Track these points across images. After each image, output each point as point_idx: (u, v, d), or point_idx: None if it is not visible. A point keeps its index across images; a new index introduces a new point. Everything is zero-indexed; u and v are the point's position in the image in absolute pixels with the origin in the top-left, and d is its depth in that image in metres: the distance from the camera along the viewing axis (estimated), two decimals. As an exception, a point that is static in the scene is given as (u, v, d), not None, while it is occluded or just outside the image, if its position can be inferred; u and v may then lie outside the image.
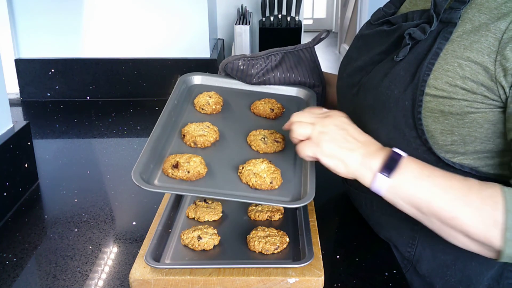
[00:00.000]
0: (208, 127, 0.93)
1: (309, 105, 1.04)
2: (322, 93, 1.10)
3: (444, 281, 0.88)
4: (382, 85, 0.81)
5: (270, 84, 1.07)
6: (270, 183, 0.82)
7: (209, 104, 1.00)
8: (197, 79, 1.10)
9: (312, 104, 1.03)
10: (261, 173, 0.82)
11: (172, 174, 0.81)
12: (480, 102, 0.73)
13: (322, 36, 1.10)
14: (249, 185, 0.82)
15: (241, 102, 1.05)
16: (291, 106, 1.05)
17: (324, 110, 0.81)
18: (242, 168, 0.84)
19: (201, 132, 0.91)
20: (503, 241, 0.67)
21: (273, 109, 1.01)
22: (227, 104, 1.04)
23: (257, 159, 0.86)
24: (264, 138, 0.92)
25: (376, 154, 0.73)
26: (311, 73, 1.09)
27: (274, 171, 0.83)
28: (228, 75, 1.09)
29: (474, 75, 0.72)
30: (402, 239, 0.90)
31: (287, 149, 0.92)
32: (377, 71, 0.84)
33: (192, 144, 0.90)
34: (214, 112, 1.00)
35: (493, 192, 0.68)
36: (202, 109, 1.00)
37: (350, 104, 0.91)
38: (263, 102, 1.03)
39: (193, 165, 0.82)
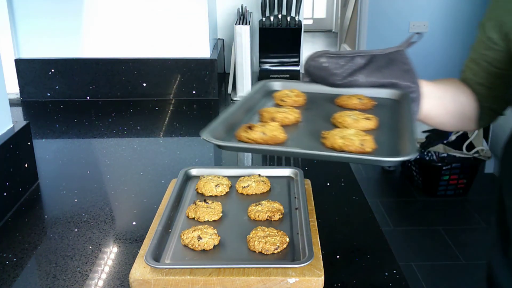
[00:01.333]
0: (289, 109, 0.85)
1: (403, 107, 0.91)
2: (417, 98, 0.96)
3: None
4: None
5: (357, 86, 0.94)
6: (361, 145, 0.71)
7: (289, 95, 0.92)
8: (278, 85, 1.00)
9: (406, 106, 0.90)
10: (349, 136, 0.73)
11: (247, 138, 0.74)
12: None
13: (413, 40, 0.96)
14: (334, 148, 0.72)
15: (324, 99, 0.95)
16: (381, 108, 0.92)
17: None
18: (326, 133, 0.75)
19: (282, 111, 0.83)
20: None
21: (361, 99, 0.91)
22: (310, 100, 0.95)
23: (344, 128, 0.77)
24: (352, 116, 0.82)
25: None
26: (405, 74, 0.95)
27: (364, 135, 0.74)
28: (310, 77, 0.98)
29: None
30: None
31: (380, 128, 0.82)
32: None
33: (270, 121, 0.82)
34: (295, 105, 0.91)
35: None
36: (282, 100, 0.92)
37: None
38: (349, 96, 0.93)
39: (270, 128, 0.75)
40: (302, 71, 2.15)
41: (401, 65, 0.96)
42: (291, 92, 0.94)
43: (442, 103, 0.98)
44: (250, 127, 0.74)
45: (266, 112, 0.84)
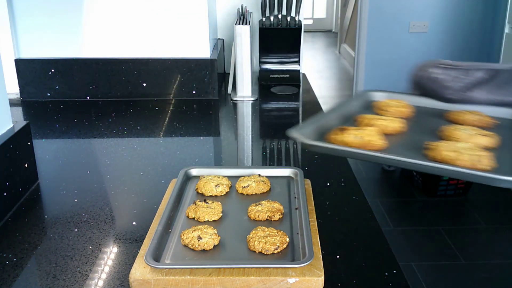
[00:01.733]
0: (391, 118, 0.78)
1: None
2: None
3: None
4: None
5: (474, 102, 0.84)
6: (477, 161, 0.63)
7: (395, 106, 0.84)
8: (380, 96, 0.92)
9: None
10: (462, 149, 0.64)
11: (336, 140, 0.68)
12: None
13: None
14: (443, 160, 0.64)
15: (432, 113, 0.85)
16: (503, 128, 0.82)
17: None
18: (431, 144, 0.68)
19: (382, 119, 0.76)
20: None
21: (479, 115, 0.82)
22: (418, 113, 0.86)
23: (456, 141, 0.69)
24: (466, 131, 0.73)
25: None
26: None
27: (480, 151, 0.65)
28: (418, 89, 0.91)
29: None
30: None
31: (501, 147, 0.72)
32: None
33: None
34: (399, 116, 0.82)
35: None
36: (384, 110, 0.83)
37: None
38: (465, 112, 0.83)
39: (366, 133, 0.68)
40: (302, 71, 2.15)
41: None
42: (397, 103, 0.84)
43: None
44: (342, 129, 0.68)
45: (365, 119, 0.76)
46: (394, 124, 0.76)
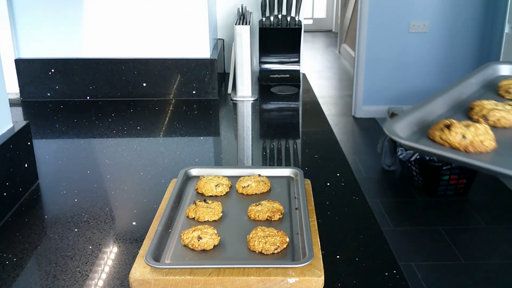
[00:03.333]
0: (509, 106, 0.70)
1: None
2: None
3: None
4: None
5: None
6: None
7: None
8: (506, 69, 0.87)
9: None
10: None
11: (441, 138, 0.60)
12: None
13: None
14: None
15: None
16: None
17: None
18: None
19: (500, 108, 0.68)
20: None
21: None
22: None
23: None
24: None
25: None
26: None
27: None
28: None
29: None
30: None
31: None
32: None
33: (480, 119, 0.68)
34: None
35: None
36: (508, 92, 0.76)
37: None
38: None
39: (475, 132, 0.59)
40: (302, 71, 2.15)
41: None
42: None
43: None
44: (448, 126, 0.60)
45: (479, 107, 0.67)
46: (508, 117, 0.66)
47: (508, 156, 0.59)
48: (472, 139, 0.58)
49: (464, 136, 0.59)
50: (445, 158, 0.57)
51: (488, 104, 0.69)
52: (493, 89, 0.79)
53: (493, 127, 0.64)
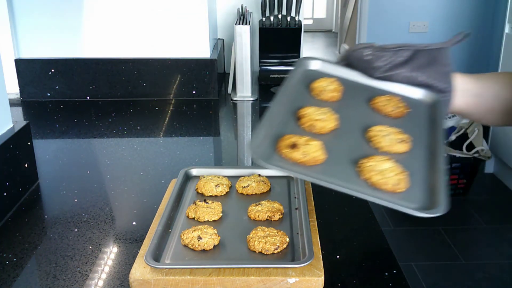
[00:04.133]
0: (327, 113, 0.84)
1: (435, 111, 0.92)
2: (449, 100, 0.96)
3: None
4: None
5: (393, 81, 0.94)
6: (396, 184, 0.72)
7: (326, 90, 0.91)
8: (315, 64, 0.99)
9: (439, 110, 0.91)
10: (386, 172, 0.72)
11: (287, 155, 0.73)
12: None
13: (459, 39, 0.97)
14: (368, 182, 0.72)
15: (359, 94, 0.94)
16: (413, 109, 0.93)
17: None
18: (363, 163, 0.74)
19: (320, 117, 0.82)
20: None
21: (396, 107, 0.90)
22: (346, 94, 0.93)
23: (381, 156, 0.76)
24: (387, 136, 0.81)
25: None
26: (442, 77, 0.95)
27: (401, 172, 0.73)
28: (347, 65, 0.97)
29: None
30: None
31: (413, 151, 0.81)
32: None
33: (308, 128, 0.81)
34: (331, 100, 0.90)
35: None
36: (319, 94, 0.91)
37: None
38: (385, 98, 0.92)
39: (312, 149, 0.73)
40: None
41: (441, 66, 0.95)
42: (329, 84, 0.91)
43: (480, 101, 0.95)
44: (293, 146, 0.73)
45: (307, 118, 0.82)
46: (330, 125, 0.82)
47: (332, 164, 0.74)
48: (311, 156, 0.73)
49: (305, 155, 0.73)
50: (294, 174, 0.72)
51: (313, 113, 0.83)
52: (309, 91, 0.92)
53: (318, 134, 0.80)
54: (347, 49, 0.96)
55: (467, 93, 0.97)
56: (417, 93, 0.94)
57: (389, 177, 0.72)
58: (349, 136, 0.82)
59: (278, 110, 0.83)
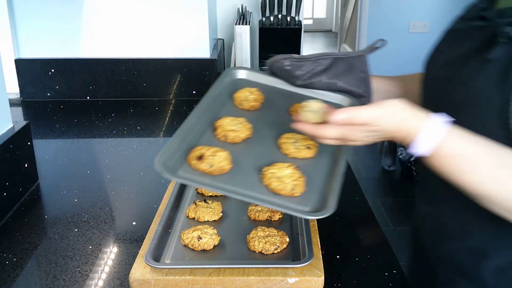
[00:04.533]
0: (242, 123, 0.90)
1: None
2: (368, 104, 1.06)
3: None
4: (473, 82, 0.79)
5: (314, 88, 1.02)
6: (292, 189, 0.77)
7: (247, 100, 0.97)
8: (242, 73, 1.06)
9: None
10: (284, 178, 0.78)
11: (195, 166, 0.78)
12: None
13: (377, 45, 1.03)
14: (268, 188, 0.78)
15: (281, 102, 1.01)
16: None
17: (345, 116, 0.75)
18: (266, 170, 0.80)
19: (234, 127, 0.88)
20: None
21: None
22: (267, 103, 1.00)
23: (283, 163, 0.82)
24: (295, 143, 0.87)
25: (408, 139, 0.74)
26: (359, 82, 1.03)
27: (298, 178, 0.79)
28: (274, 74, 1.05)
29: None
30: (481, 231, 0.84)
31: (318, 157, 0.86)
32: (468, 68, 0.81)
33: (222, 138, 0.87)
34: (251, 109, 0.97)
35: None
36: (241, 104, 0.97)
37: (437, 97, 0.89)
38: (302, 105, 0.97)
39: (218, 160, 0.79)
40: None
41: (359, 73, 1.03)
42: (250, 94, 0.98)
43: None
44: (200, 158, 0.79)
45: (221, 128, 0.88)
46: (242, 135, 0.87)
47: (238, 173, 0.80)
48: (217, 166, 0.78)
49: (211, 165, 0.78)
50: (200, 186, 0.79)
51: (227, 124, 0.89)
52: (231, 100, 0.98)
53: (231, 143, 0.86)
54: (270, 60, 1.03)
55: (390, 94, 1.03)
56: (337, 98, 1.02)
57: (286, 183, 0.78)
58: (261, 145, 0.88)
59: (196, 121, 0.88)
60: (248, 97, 0.98)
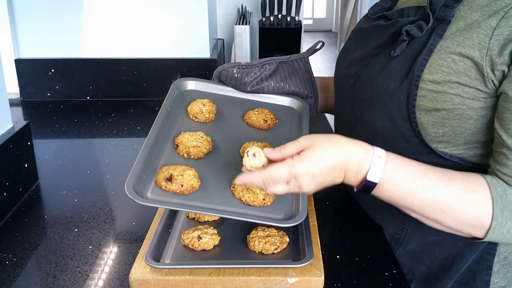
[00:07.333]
0: (202, 137, 0.92)
1: (302, 116, 1.03)
2: (315, 104, 1.10)
3: (432, 257, 0.92)
4: (379, 79, 0.84)
5: (263, 93, 1.07)
6: (263, 199, 0.81)
7: (202, 112, 0.99)
8: (191, 84, 1.09)
9: (305, 115, 1.03)
10: (255, 189, 0.81)
11: (165, 187, 0.80)
12: (471, 97, 0.76)
13: (317, 47, 1.10)
14: (241, 200, 0.81)
15: (234, 110, 1.04)
16: (284, 116, 1.04)
17: (291, 150, 0.76)
18: (235, 184, 0.82)
19: (195, 143, 0.90)
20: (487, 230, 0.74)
21: (266, 120, 1.00)
22: (220, 113, 1.02)
23: None
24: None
25: (353, 181, 0.77)
26: (305, 84, 1.09)
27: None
28: (222, 82, 1.08)
29: (467, 70, 0.75)
30: (394, 223, 0.95)
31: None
32: (374, 65, 0.87)
33: (185, 155, 0.89)
34: (207, 121, 0.99)
35: (479, 185, 0.75)
36: (196, 117, 0.99)
37: (347, 94, 0.95)
38: (256, 112, 1.02)
39: (187, 179, 0.81)
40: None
41: (303, 74, 1.08)
42: (203, 107, 1.00)
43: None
44: (169, 179, 0.80)
45: (182, 145, 0.89)
46: (204, 149, 0.89)
47: (208, 188, 0.82)
48: (187, 185, 0.80)
49: (182, 185, 0.80)
50: (172, 206, 0.79)
51: (187, 140, 0.90)
52: (185, 113, 1.01)
53: (194, 159, 0.88)
54: (217, 69, 1.07)
55: (330, 89, 1.09)
56: (287, 101, 1.07)
57: (257, 194, 0.81)
58: (224, 157, 0.90)
59: (155, 140, 0.89)
60: (202, 109, 1.00)
